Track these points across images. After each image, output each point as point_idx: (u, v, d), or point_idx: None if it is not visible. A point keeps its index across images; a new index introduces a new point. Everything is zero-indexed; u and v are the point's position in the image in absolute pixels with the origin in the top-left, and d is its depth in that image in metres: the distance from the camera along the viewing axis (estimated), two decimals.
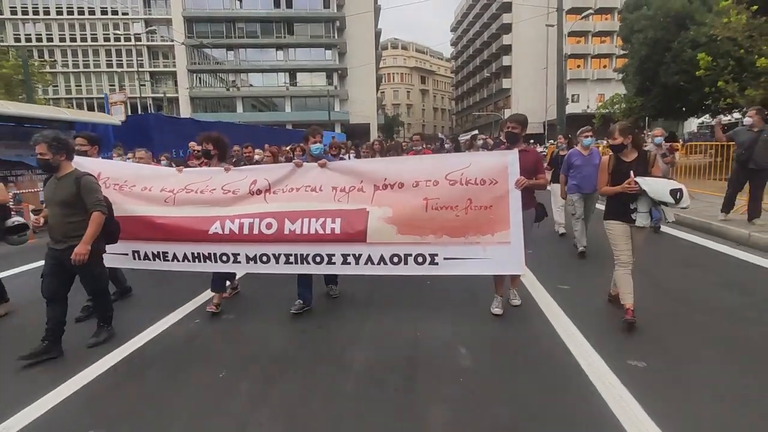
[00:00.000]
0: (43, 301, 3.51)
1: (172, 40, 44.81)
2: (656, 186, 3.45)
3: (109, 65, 46.77)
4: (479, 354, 3.20)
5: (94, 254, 3.53)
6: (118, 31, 45.59)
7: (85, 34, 46.00)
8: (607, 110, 22.34)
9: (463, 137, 15.43)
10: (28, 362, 3.29)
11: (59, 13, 45.69)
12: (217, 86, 48.60)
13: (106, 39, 46.24)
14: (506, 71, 57.07)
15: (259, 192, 3.97)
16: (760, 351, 3.12)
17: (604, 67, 52.65)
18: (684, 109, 16.91)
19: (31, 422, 2.55)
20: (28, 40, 44.72)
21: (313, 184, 3.87)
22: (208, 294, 4.38)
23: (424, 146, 7.50)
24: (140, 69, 45.87)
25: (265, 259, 3.84)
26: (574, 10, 47.97)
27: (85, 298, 4.08)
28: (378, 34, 54.37)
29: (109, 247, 3.87)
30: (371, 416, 2.51)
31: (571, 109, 45.11)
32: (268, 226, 3.80)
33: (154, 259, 4.11)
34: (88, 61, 46.37)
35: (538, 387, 2.73)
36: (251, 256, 3.85)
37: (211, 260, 3.96)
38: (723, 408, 2.49)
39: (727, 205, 7.11)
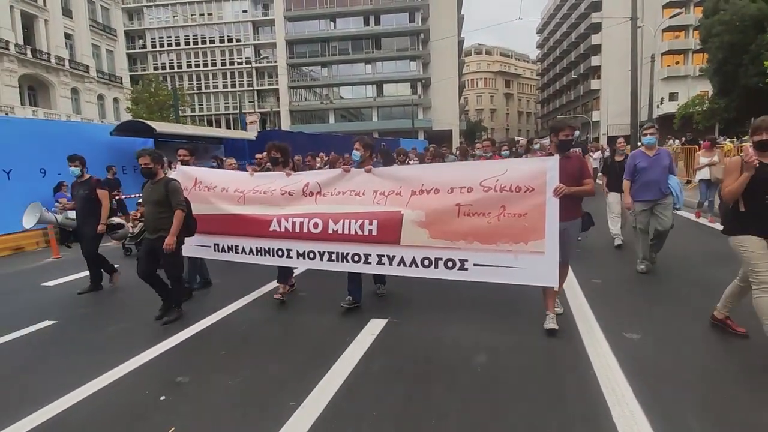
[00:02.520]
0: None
1: (275, 61, 50.83)
2: None
3: (225, 86, 54.00)
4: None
5: (176, 245, 4.24)
6: (232, 57, 52.70)
7: (207, 60, 53.71)
8: (688, 111, 21.92)
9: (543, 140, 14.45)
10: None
11: (186, 43, 53.94)
12: (313, 100, 53.68)
13: (222, 63, 53.55)
14: (595, 72, 55.24)
15: (311, 194, 4.30)
16: None
17: (708, 61, 48.83)
18: None
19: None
20: (163, 67, 53.38)
21: (357, 188, 4.11)
22: (271, 285, 5.13)
23: (495, 153, 7.31)
24: (250, 88, 52.49)
25: (312, 255, 4.19)
26: (672, 4, 45.42)
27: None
28: (461, 43, 55.95)
29: (196, 240, 4.73)
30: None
31: (668, 108, 42.72)
32: (315, 225, 4.14)
33: (229, 252, 4.70)
34: (209, 83, 53.99)
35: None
36: (301, 252, 4.24)
37: (270, 254, 4.42)
38: None
39: None
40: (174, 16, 53.13)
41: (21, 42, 29.90)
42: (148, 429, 2.61)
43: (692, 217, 9.00)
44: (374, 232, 3.88)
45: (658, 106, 39.94)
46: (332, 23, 51.22)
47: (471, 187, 3.65)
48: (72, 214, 5.88)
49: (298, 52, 51.72)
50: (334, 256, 4.07)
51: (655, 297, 4.52)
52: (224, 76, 54.03)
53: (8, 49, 28.49)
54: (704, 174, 8.76)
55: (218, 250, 4.74)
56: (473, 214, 3.60)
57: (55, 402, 2.93)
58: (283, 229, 4.26)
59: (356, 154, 4.30)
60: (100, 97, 37.06)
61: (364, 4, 49.74)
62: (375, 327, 3.92)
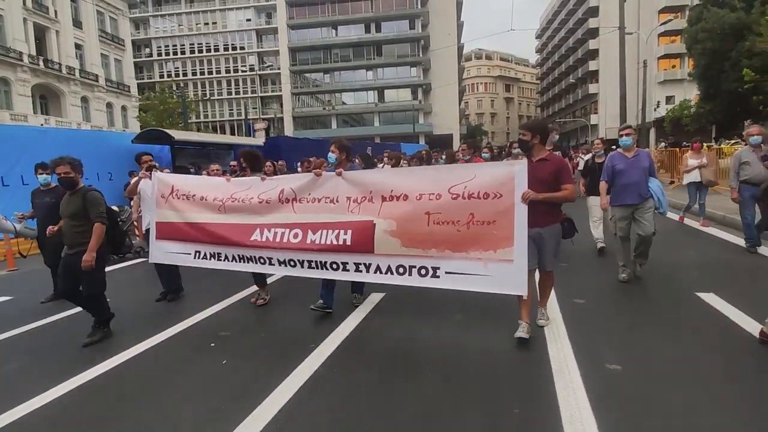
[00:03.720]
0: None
1: (278, 69, 51.99)
2: None
3: (229, 93, 55.16)
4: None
5: (97, 260, 3.95)
6: (236, 64, 53.90)
7: (211, 68, 54.92)
8: (677, 114, 22.72)
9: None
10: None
11: (191, 52, 55.20)
12: (315, 106, 54.76)
13: (227, 71, 54.75)
14: (593, 76, 56.18)
15: (287, 201, 4.34)
16: None
17: (694, 67, 49.46)
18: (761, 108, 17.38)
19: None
20: (169, 75, 54.56)
21: (331, 195, 4.15)
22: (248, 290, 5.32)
23: (474, 155, 7.23)
24: (254, 95, 53.62)
25: (292, 263, 4.28)
26: (667, 9, 46.30)
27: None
28: (461, 49, 57.01)
29: (176, 248, 4.76)
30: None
31: (665, 111, 43.45)
32: (295, 235, 4.21)
33: (210, 259, 4.69)
34: (213, 90, 55.16)
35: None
36: (281, 261, 4.32)
37: (252, 262, 4.48)
38: None
39: None
40: (179, 26, 54.37)
41: (34, 53, 30.94)
42: (207, 361, 3.59)
43: (676, 219, 8.63)
44: (348, 242, 3.96)
45: (655, 109, 40.75)
46: (334, 31, 52.37)
47: (440, 194, 3.65)
48: (29, 222, 5.78)
49: (301, 59, 52.85)
50: (313, 264, 4.17)
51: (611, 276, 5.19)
52: (228, 83, 55.21)
53: (22, 60, 29.53)
54: (693, 177, 8.31)
55: (199, 257, 4.75)
56: (443, 222, 3.61)
57: (134, 346, 3.94)
58: (264, 239, 4.33)
59: (332, 156, 4.38)
60: (109, 105, 38.02)
61: (365, 11, 50.91)
62: (375, 298, 4.85)
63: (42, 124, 27.54)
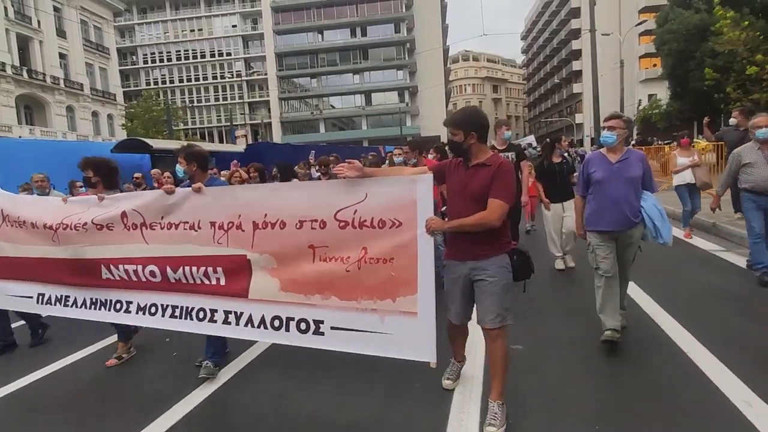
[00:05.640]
0: None
1: (265, 74, 52.31)
2: None
3: (216, 99, 55.29)
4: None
5: None
6: (223, 71, 54.10)
7: (198, 75, 55.02)
8: (647, 113, 23.39)
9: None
10: None
11: (178, 59, 55.22)
12: (303, 110, 55.07)
13: (214, 77, 54.90)
14: (577, 76, 57.08)
15: (134, 227, 3.44)
16: None
17: (663, 68, 50.34)
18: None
19: None
20: (155, 83, 54.59)
21: (191, 219, 3.27)
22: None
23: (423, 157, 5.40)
24: (241, 101, 53.81)
25: (153, 310, 3.45)
26: (647, 9, 47.20)
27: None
28: (446, 51, 57.64)
29: (15, 289, 3.93)
30: None
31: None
32: (152, 274, 3.39)
33: (56, 304, 3.82)
34: (200, 97, 55.23)
35: None
36: (142, 306, 3.49)
37: (105, 307, 3.63)
38: None
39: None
40: (165, 33, 54.43)
41: (17, 63, 30.96)
42: (164, 349, 4.07)
43: (680, 235, 6.58)
44: (222, 282, 3.17)
45: (638, 108, 41.59)
46: (320, 35, 52.81)
47: (324, 221, 2.81)
48: None
49: (288, 65, 53.21)
50: (177, 312, 3.34)
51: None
52: (215, 89, 55.33)
53: (5, 71, 29.53)
54: (685, 178, 6.80)
55: (42, 302, 3.87)
56: (329, 258, 2.81)
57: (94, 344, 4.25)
58: (117, 278, 3.50)
59: (179, 169, 3.48)
60: (95, 114, 38.02)
61: (350, 16, 51.40)
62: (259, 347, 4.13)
63: (24, 135, 27.58)
